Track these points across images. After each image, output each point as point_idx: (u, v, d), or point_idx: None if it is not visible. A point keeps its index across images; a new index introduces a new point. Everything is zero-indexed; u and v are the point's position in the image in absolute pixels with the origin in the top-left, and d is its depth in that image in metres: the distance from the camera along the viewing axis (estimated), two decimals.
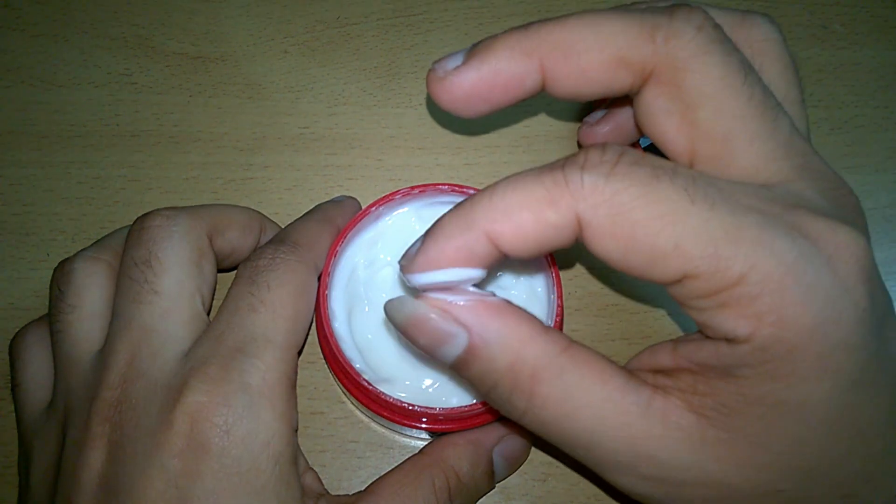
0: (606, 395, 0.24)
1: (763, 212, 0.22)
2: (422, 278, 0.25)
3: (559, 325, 0.32)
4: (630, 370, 0.25)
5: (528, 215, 0.23)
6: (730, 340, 0.22)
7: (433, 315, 0.24)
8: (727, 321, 0.22)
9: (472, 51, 0.26)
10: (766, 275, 0.21)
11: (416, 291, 0.25)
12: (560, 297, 0.32)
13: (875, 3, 0.45)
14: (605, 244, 0.23)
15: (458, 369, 0.25)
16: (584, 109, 0.42)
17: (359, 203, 0.37)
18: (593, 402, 0.24)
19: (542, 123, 0.42)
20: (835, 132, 0.42)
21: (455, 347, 0.24)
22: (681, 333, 0.37)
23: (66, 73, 0.42)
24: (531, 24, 0.26)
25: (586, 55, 0.25)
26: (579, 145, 0.42)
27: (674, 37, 0.24)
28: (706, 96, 0.24)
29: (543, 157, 0.41)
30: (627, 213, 0.22)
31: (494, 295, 0.25)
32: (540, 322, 0.25)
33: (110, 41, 0.43)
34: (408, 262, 0.25)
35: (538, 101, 0.42)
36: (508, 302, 0.25)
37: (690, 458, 0.23)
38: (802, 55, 0.44)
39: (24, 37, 0.43)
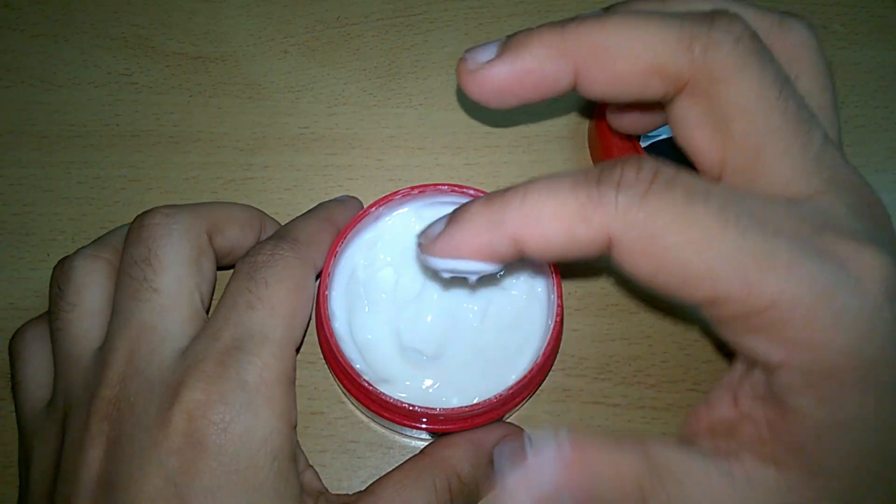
0: (701, 486, 0.24)
1: (793, 235, 0.22)
2: (440, 263, 0.25)
3: (559, 326, 0.32)
4: (694, 437, 0.25)
5: (558, 226, 0.23)
6: (766, 367, 0.23)
7: None
8: (759, 345, 0.22)
9: (507, 44, 0.26)
10: (797, 300, 0.21)
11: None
12: (560, 297, 0.32)
13: (875, 3, 0.45)
14: (636, 263, 0.23)
15: None
16: (588, 108, 0.42)
17: (361, 203, 0.37)
18: (693, 497, 0.23)
19: (542, 123, 0.42)
20: None
21: None
22: (685, 334, 0.37)
23: (66, 73, 0.42)
24: (568, 22, 0.25)
25: (623, 61, 0.25)
26: (590, 143, 0.42)
27: (712, 48, 0.24)
28: (741, 109, 0.24)
29: (543, 156, 0.41)
30: (660, 236, 0.22)
31: (555, 440, 0.24)
32: (609, 438, 0.24)
33: (110, 41, 0.43)
34: (428, 243, 0.25)
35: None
36: (570, 434, 0.24)
37: None
38: None
39: (24, 37, 0.43)
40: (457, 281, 0.31)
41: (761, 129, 0.24)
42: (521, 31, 0.26)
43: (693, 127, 0.25)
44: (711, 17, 0.25)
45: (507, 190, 0.24)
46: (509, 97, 0.27)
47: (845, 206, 0.24)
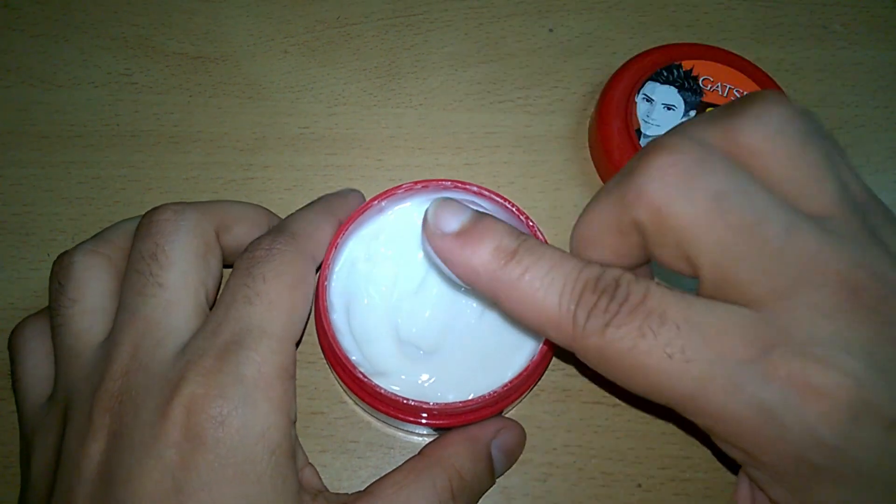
0: None
1: (740, 359, 0.23)
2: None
3: None
4: None
5: (535, 317, 0.26)
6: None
7: None
8: (723, 446, 0.25)
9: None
10: (741, 421, 0.23)
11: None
12: None
13: (875, 3, 0.45)
14: (601, 370, 0.25)
15: None
16: (588, 108, 0.42)
17: (363, 196, 0.37)
18: None
19: (542, 123, 0.42)
20: (835, 132, 0.42)
21: None
22: None
23: (66, 73, 0.42)
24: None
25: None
26: (590, 143, 0.42)
27: (640, 193, 0.25)
28: (686, 234, 0.24)
29: (543, 157, 0.41)
30: (615, 360, 0.24)
31: None
32: None
33: (110, 41, 0.43)
34: (439, 237, 0.27)
35: (538, 101, 0.42)
36: None
37: None
38: (802, 55, 0.44)
39: (24, 37, 0.43)
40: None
41: (709, 246, 0.24)
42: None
43: (665, 261, 0.26)
44: (632, 165, 0.25)
45: (516, 251, 0.26)
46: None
47: (811, 308, 0.23)
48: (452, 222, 0.27)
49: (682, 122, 0.27)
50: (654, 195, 0.24)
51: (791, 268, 0.23)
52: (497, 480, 0.34)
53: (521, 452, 0.35)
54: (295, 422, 0.30)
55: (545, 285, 0.25)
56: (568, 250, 0.27)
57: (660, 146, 0.25)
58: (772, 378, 0.22)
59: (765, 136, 0.25)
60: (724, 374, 0.23)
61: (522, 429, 0.34)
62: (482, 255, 0.26)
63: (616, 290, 0.25)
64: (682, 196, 0.24)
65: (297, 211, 0.34)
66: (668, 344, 0.23)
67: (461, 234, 0.27)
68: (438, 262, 0.27)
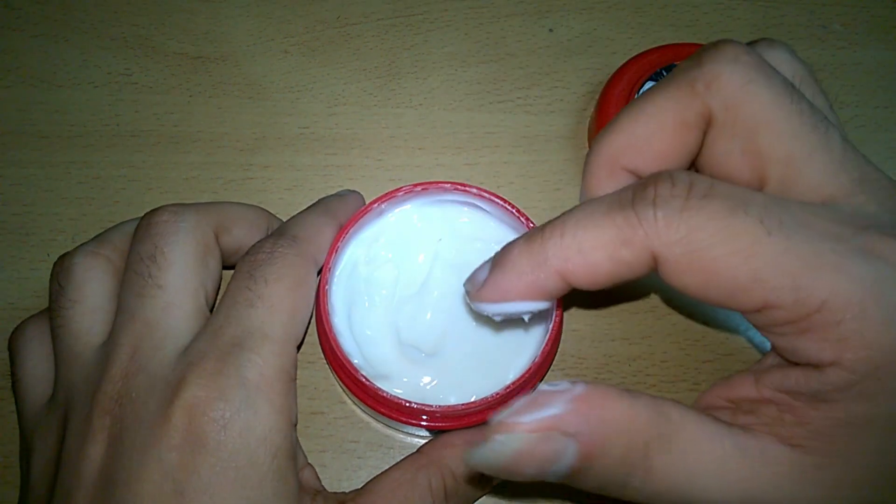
0: (709, 450, 0.24)
1: (836, 236, 0.22)
2: (491, 308, 0.25)
3: (558, 325, 0.32)
4: (709, 409, 0.25)
5: (602, 254, 0.23)
6: (816, 366, 0.23)
7: (538, 439, 0.22)
8: (811, 347, 0.22)
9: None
10: (847, 299, 0.21)
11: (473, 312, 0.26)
12: (560, 298, 0.32)
13: (875, 3, 0.45)
14: (683, 279, 0.23)
15: (571, 477, 0.24)
16: (588, 108, 0.42)
17: (362, 197, 0.37)
18: (700, 460, 0.24)
19: (542, 123, 0.42)
20: None
21: (566, 461, 0.23)
22: (685, 334, 0.37)
23: (66, 73, 0.42)
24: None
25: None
26: (590, 143, 0.42)
27: (713, 79, 0.24)
28: (762, 123, 0.24)
29: (543, 156, 0.41)
30: (705, 249, 0.22)
31: (573, 383, 0.24)
32: (623, 390, 0.24)
33: (110, 41, 0.43)
34: (475, 290, 0.26)
35: (538, 101, 0.42)
36: (586, 381, 0.24)
37: (792, 490, 0.24)
38: (802, 55, 0.43)
39: (24, 37, 0.43)
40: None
41: (785, 137, 0.24)
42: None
43: (724, 159, 0.25)
44: (698, 55, 0.25)
45: (545, 227, 0.25)
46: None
47: (878, 204, 0.24)
48: (480, 275, 0.26)
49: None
50: (729, 80, 0.24)
51: (853, 171, 0.24)
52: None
53: None
54: (296, 424, 0.30)
55: (589, 224, 0.23)
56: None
57: (723, 42, 0.25)
58: (874, 254, 0.22)
59: (784, 59, 0.26)
60: (830, 250, 0.22)
61: None
62: (516, 258, 0.25)
63: (674, 178, 0.23)
64: (760, 82, 0.24)
65: (298, 214, 0.34)
66: (762, 217, 0.22)
67: (492, 269, 0.26)
68: (509, 309, 0.26)
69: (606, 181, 0.26)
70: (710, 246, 0.22)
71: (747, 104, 0.24)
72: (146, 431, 0.27)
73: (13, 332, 0.33)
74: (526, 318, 0.27)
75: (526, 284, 0.25)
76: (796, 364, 0.24)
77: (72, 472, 0.28)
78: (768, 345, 0.25)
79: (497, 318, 0.27)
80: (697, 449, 0.23)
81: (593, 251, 0.23)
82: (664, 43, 0.41)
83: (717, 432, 0.24)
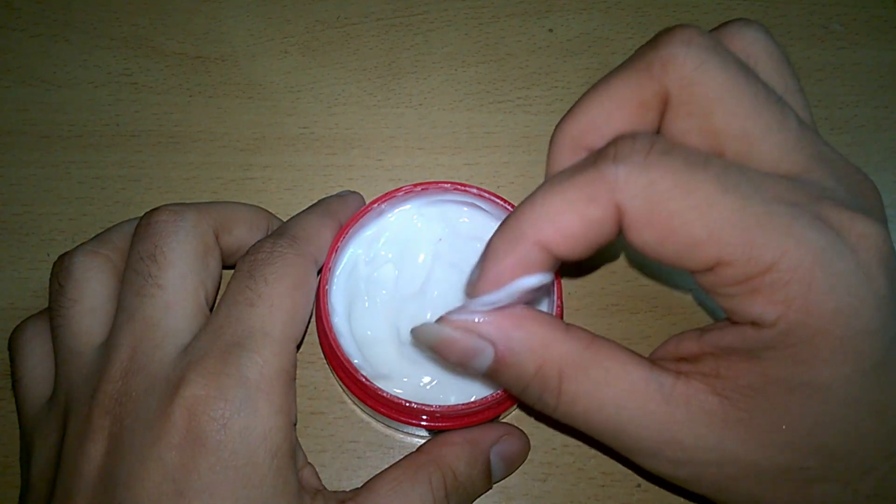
0: (630, 387, 0.25)
1: (792, 202, 0.23)
2: (490, 298, 0.26)
3: None
4: (654, 359, 0.26)
5: (572, 216, 0.24)
6: (756, 325, 0.23)
7: (458, 335, 0.26)
8: (756, 306, 0.23)
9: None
10: (796, 263, 0.22)
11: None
12: (560, 297, 0.32)
13: (875, 3, 0.45)
14: (643, 233, 0.23)
15: (492, 377, 0.27)
16: None
17: (362, 197, 0.37)
18: (618, 394, 0.25)
19: (542, 123, 0.42)
20: (835, 132, 0.42)
21: (484, 359, 0.26)
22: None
23: (66, 73, 0.42)
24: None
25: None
26: None
27: (669, 60, 0.25)
28: (716, 101, 0.25)
29: (543, 156, 0.40)
30: (664, 202, 0.23)
31: (517, 308, 0.26)
32: (561, 322, 0.26)
33: (110, 41, 0.43)
34: (472, 289, 0.26)
35: (538, 101, 0.42)
36: (529, 308, 0.26)
37: (714, 440, 0.24)
38: (802, 55, 0.44)
39: (24, 37, 0.43)
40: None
41: (741, 114, 0.24)
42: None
43: (682, 138, 0.26)
44: (654, 39, 0.26)
45: (517, 206, 0.25)
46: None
47: (835, 180, 0.25)
48: (474, 275, 0.26)
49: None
50: (684, 61, 0.24)
51: (809, 148, 0.25)
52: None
53: (522, 461, 0.35)
54: (295, 423, 0.30)
55: (556, 188, 0.24)
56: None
57: (677, 26, 0.25)
58: (827, 223, 0.23)
59: (758, 38, 0.27)
60: (784, 213, 0.22)
61: (527, 438, 0.34)
62: (497, 242, 0.26)
63: (634, 136, 0.24)
64: (714, 62, 0.24)
65: (298, 214, 0.34)
66: (720, 175, 0.22)
67: (481, 263, 0.26)
68: (509, 292, 0.26)
69: (569, 162, 0.27)
70: (668, 199, 0.22)
71: (702, 84, 0.24)
72: (146, 431, 0.27)
73: (13, 332, 0.33)
74: (531, 296, 0.27)
75: (512, 263, 0.25)
76: (738, 323, 0.24)
77: (71, 471, 0.28)
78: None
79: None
80: (615, 384, 0.25)
81: (563, 215, 0.24)
82: None
83: (643, 373, 0.25)
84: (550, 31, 0.44)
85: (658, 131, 0.27)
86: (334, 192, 0.39)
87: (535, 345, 0.26)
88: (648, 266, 0.39)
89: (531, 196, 0.25)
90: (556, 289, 0.32)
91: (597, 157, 0.24)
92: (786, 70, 0.27)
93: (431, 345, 0.27)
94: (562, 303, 0.32)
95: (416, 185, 0.34)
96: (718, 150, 0.25)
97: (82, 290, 0.31)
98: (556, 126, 0.28)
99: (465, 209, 0.35)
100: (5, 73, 0.42)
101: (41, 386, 0.31)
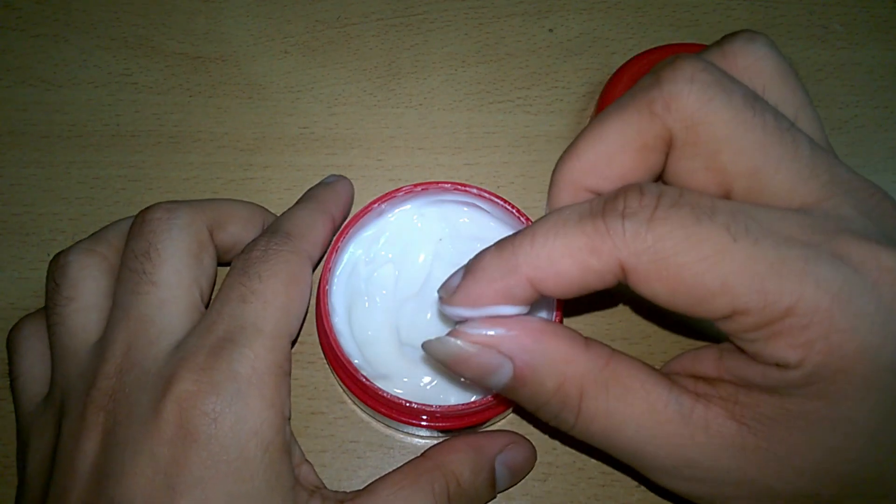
0: (649, 406, 0.24)
1: (805, 242, 0.22)
2: (461, 312, 0.26)
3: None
4: (670, 374, 0.26)
5: (571, 263, 0.24)
6: (780, 366, 0.23)
7: (474, 351, 0.25)
8: (777, 350, 0.22)
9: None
10: (814, 305, 0.21)
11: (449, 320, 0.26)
12: (560, 301, 0.32)
13: (875, 3, 0.45)
14: (652, 287, 0.23)
15: (507, 394, 0.26)
16: (588, 108, 0.42)
17: (350, 182, 0.37)
18: (637, 413, 0.24)
19: (542, 123, 0.42)
20: (835, 132, 0.42)
21: (502, 376, 0.25)
22: (682, 332, 0.37)
23: (66, 73, 0.42)
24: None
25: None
26: None
27: (672, 99, 0.24)
28: (723, 140, 0.24)
29: (543, 156, 0.41)
30: (672, 257, 0.22)
31: (532, 317, 0.25)
32: (581, 337, 0.26)
33: (110, 41, 0.43)
34: (448, 295, 0.26)
35: (538, 101, 0.42)
36: (547, 321, 0.26)
37: (731, 464, 0.24)
38: (802, 55, 0.44)
39: (24, 37, 0.43)
40: None
41: (749, 150, 0.24)
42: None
43: (689, 177, 0.25)
44: (655, 74, 0.25)
45: (515, 235, 0.25)
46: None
47: (851, 207, 0.24)
48: (453, 281, 0.26)
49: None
50: (688, 100, 0.24)
51: (823, 175, 0.24)
52: None
53: (528, 470, 0.34)
54: (290, 418, 0.30)
55: (559, 233, 0.24)
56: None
57: (679, 59, 0.25)
58: (843, 259, 0.22)
59: (763, 55, 0.26)
60: (797, 256, 0.22)
61: (533, 448, 0.34)
62: (487, 265, 0.25)
63: (643, 190, 0.23)
64: (719, 98, 0.24)
65: (290, 210, 0.34)
66: (729, 224, 0.22)
67: (465, 276, 0.26)
68: (480, 314, 0.26)
69: (570, 202, 0.26)
70: (676, 254, 0.22)
71: (707, 123, 0.24)
72: (138, 426, 0.27)
73: (11, 330, 0.33)
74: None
75: (496, 291, 0.25)
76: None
77: (66, 467, 0.28)
78: None
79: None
80: (634, 403, 0.24)
81: (562, 259, 0.24)
82: (664, 43, 0.41)
83: (663, 393, 0.24)
84: (550, 31, 0.44)
85: (663, 171, 0.26)
86: (321, 181, 0.38)
87: (556, 361, 0.25)
88: None
89: (532, 230, 0.25)
90: None
91: (605, 208, 0.23)
92: (795, 87, 0.27)
93: (445, 360, 0.26)
94: (562, 303, 0.32)
95: (416, 185, 0.34)
96: (727, 188, 0.25)
97: (78, 288, 0.31)
98: (557, 164, 0.27)
99: (465, 209, 0.35)
100: (5, 73, 0.42)
101: (38, 383, 0.32)
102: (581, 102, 0.42)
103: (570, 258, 0.24)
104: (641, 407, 0.24)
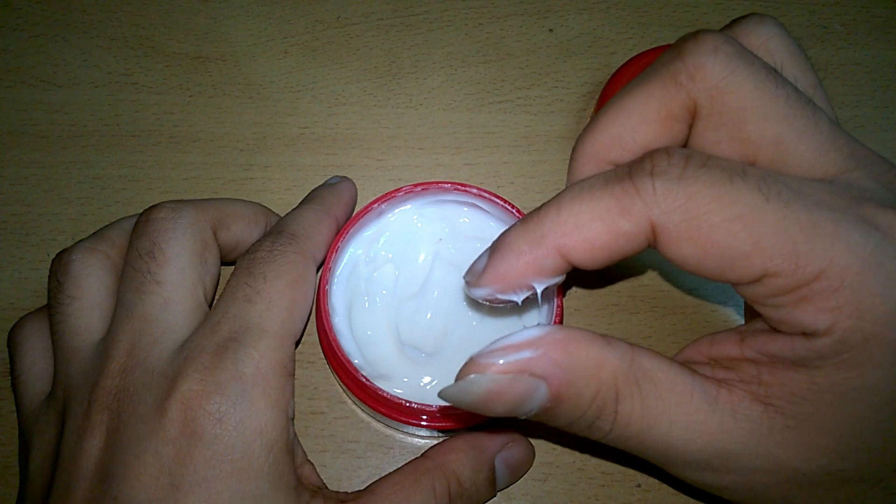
0: (678, 399, 0.24)
1: (834, 206, 0.22)
2: (491, 293, 0.25)
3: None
4: (687, 362, 0.25)
5: (600, 227, 0.23)
6: (807, 334, 0.22)
7: (506, 382, 0.23)
8: (806, 316, 0.22)
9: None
10: (845, 268, 0.21)
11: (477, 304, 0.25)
12: (560, 297, 0.32)
13: (875, 3, 0.45)
14: (681, 249, 0.23)
15: (542, 416, 0.24)
16: (588, 108, 0.42)
17: (353, 183, 0.37)
18: (669, 408, 0.24)
19: (542, 123, 0.42)
20: None
21: (537, 400, 0.23)
22: (685, 334, 0.37)
23: (66, 73, 0.42)
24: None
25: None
26: None
27: (696, 70, 0.24)
28: (748, 109, 0.24)
29: (543, 156, 0.41)
30: (704, 216, 0.22)
31: (549, 328, 0.24)
32: (599, 335, 0.24)
33: (110, 41, 0.43)
34: (474, 278, 0.25)
35: (538, 101, 0.42)
36: (565, 327, 0.24)
37: (758, 447, 0.24)
38: None
39: (24, 37, 0.43)
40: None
41: (772, 120, 0.24)
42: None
43: (713, 148, 0.25)
44: (678, 48, 0.25)
45: (540, 207, 0.25)
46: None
47: (873, 179, 0.24)
48: (479, 264, 0.26)
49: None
50: (713, 70, 0.24)
51: (844, 147, 0.24)
52: None
53: (527, 469, 0.34)
54: (293, 419, 0.30)
55: (585, 197, 0.23)
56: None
57: (701, 33, 0.24)
58: (872, 225, 0.22)
59: (774, 34, 0.26)
60: (828, 219, 0.22)
61: (531, 446, 0.34)
62: (513, 239, 0.24)
63: (669, 151, 0.23)
64: (742, 69, 0.24)
65: (294, 210, 0.34)
66: (760, 185, 0.22)
67: (491, 255, 0.25)
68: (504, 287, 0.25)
69: (592, 174, 0.26)
70: (708, 213, 0.22)
71: (732, 93, 0.24)
72: (143, 425, 0.27)
73: (12, 329, 0.33)
74: (519, 301, 0.26)
75: (525, 264, 0.24)
76: (786, 333, 0.23)
77: (70, 466, 0.28)
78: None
79: (486, 303, 0.27)
80: (665, 397, 0.24)
81: (591, 224, 0.23)
82: (664, 43, 0.41)
83: (688, 383, 0.24)
84: (550, 31, 0.44)
85: (686, 142, 0.26)
86: (324, 182, 0.38)
87: (589, 368, 0.23)
88: (647, 268, 0.39)
89: (556, 199, 0.24)
90: (556, 288, 0.32)
91: (632, 170, 0.23)
92: (807, 67, 0.27)
93: (476, 401, 0.23)
94: (562, 303, 0.32)
95: (416, 185, 0.34)
96: (751, 158, 0.25)
97: (81, 287, 0.31)
98: (579, 138, 0.27)
99: (465, 209, 0.35)
100: (5, 73, 0.42)
101: (40, 382, 0.32)
102: (581, 102, 0.42)
103: (598, 222, 0.23)
104: (672, 400, 0.24)
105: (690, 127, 0.25)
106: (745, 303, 0.27)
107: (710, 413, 0.24)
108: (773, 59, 0.26)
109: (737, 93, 0.24)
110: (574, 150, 0.27)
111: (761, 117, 0.24)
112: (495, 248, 0.25)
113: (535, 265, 0.24)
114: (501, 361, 0.23)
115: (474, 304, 0.34)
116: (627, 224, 0.23)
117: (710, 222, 0.22)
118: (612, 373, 0.24)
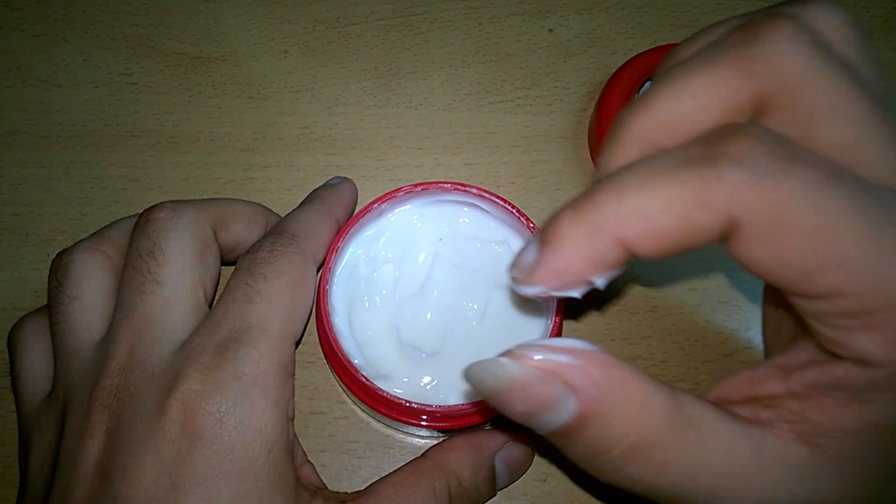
0: (723, 448, 0.22)
1: None
2: (545, 291, 0.23)
3: (559, 326, 0.32)
4: (723, 400, 0.24)
5: (672, 218, 0.21)
6: (861, 362, 0.21)
7: (536, 378, 0.21)
8: (867, 343, 0.20)
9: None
10: None
11: (524, 298, 0.23)
12: (560, 304, 0.32)
13: (875, 3, 0.45)
14: (757, 250, 0.20)
15: (561, 438, 0.22)
16: (588, 107, 0.42)
17: (354, 184, 0.37)
18: (712, 458, 0.22)
19: (542, 123, 0.42)
20: None
21: (562, 414, 0.21)
22: (685, 334, 0.37)
23: (66, 73, 0.42)
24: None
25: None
26: (590, 143, 0.41)
27: (772, 58, 0.22)
28: (823, 108, 0.22)
29: (543, 156, 0.41)
30: (794, 221, 0.20)
31: (597, 348, 0.22)
32: (646, 375, 0.22)
33: (110, 41, 0.43)
34: (524, 274, 0.23)
35: (538, 101, 0.42)
36: (612, 355, 0.22)
37: (805, 492, 0.22)
38: None
39: (24, 37, 0.43)
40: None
41: (848, 123, 0.22)
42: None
43: None
44: (752, 30, 0.22)
45: (594, 192, 0.22)
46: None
47: None
48: (527, 257, 0.23)
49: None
50: (791, 62, 0.21)
51: None
52: None
53: (527, 468, 0.34)
54: (293, 419, 0.30)
55: (654, 184, 0.21)
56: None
57: (776, 16, 0.22)
58: None
59: (840, 21, 0.23)
60: None
61: (531, 446, 0.34)
62: (568, 231, 0.22)
63: (751, 132, 0.20)
64: (822, 63, 0.21)
65: (295, 211, 0.34)
66: (854, 193, 0.19)
67: (542, 248, 0.22)
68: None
69: (632, 159, 0.23)
70: (801, 218, 0.19)
71: (810, 88, 0.21)
72: (143, 425, 0.27)
73: (12, 329, 0.33)
74: (579, 295, 0.23)
75: (583, 258, 0.22)
76: (836, 357, 0.22)
77: (70, 466, 0.28)
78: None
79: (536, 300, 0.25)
80: (708, 444, 0.22)
81: (661, 215, 0.21)
82: (664, 43, 0.41)
83: (733, 431, 0.22)
84: (550, 31, 0.44)
85: None
86: (325, 182, 0.38)
87: (630, 403, 0.21)
88: (647, 268, 0.39)
89: (616, 185, 0.21)
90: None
91: (713, 152, 0.20)
92: (869, 58, 0.23)
93: (496, 386, 0.21)
94: (562, 302, 0.32)
95: (416, 185, 0.34)
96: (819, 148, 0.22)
97: (81, 287, 0.31)
98: (623, 116, 0.24)
99: (465, 209, 0.35)
100: (5, 73, 0.42)
101: (40, 382, 0.32)
102: (581, 102, 0.42)
103: (670, 213, 0.20)
104: (716, 449, 0.21)
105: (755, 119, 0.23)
106: (765, 306, 0.26)
107: (754, 460, 0.22)
108: (840, 52, 0.23)
109: (815, 89, 0.21)
110: (616, 127, 0.24)
111: (835, 119, 0.22)
112: (546, 239, 0.22)
113: (594, 259, 0.22)
114: (537, 357, 0.21)
115: (474, 304, 0.34)
116: (704, 217, 0.20)
117: (799, 228, 0.20)
118: (654, 419, 0.21)
